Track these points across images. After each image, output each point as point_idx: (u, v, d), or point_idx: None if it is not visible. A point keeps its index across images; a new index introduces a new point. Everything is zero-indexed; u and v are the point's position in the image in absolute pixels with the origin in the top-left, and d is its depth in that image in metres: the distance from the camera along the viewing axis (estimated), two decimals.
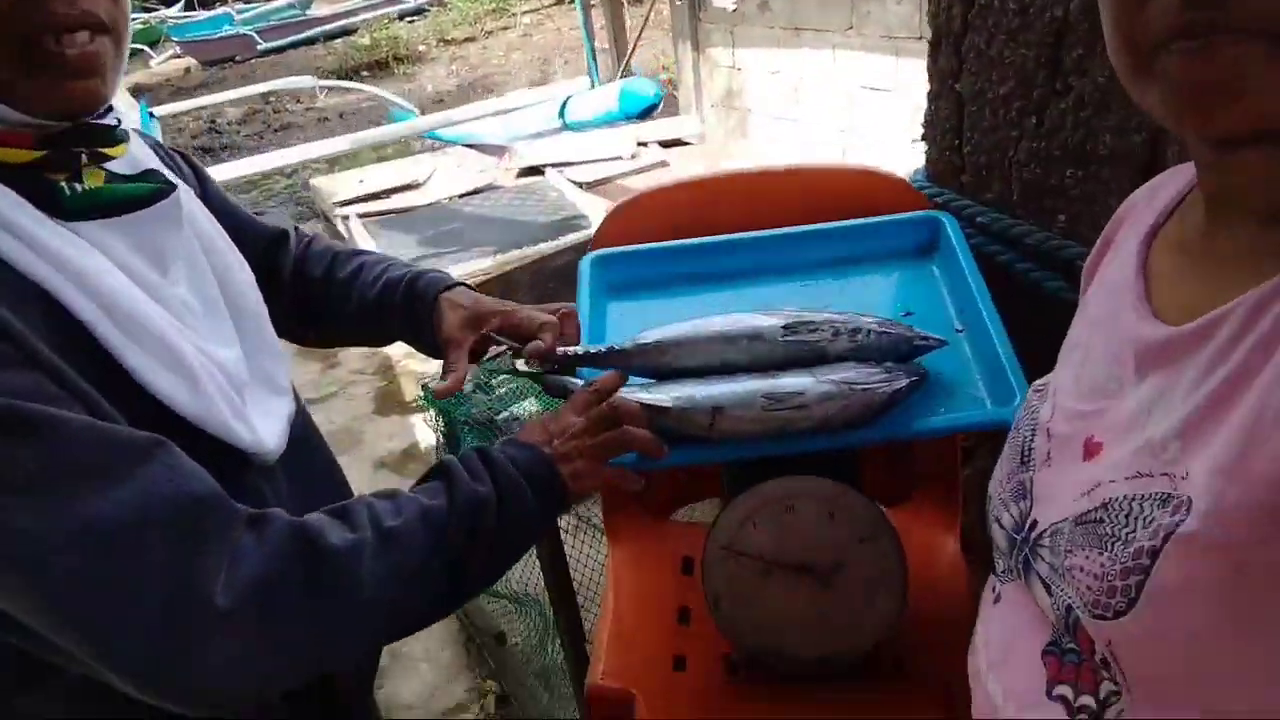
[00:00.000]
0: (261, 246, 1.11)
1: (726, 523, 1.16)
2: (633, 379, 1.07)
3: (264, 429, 0.83)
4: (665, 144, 4.97)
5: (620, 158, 4.54)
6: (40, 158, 0.71)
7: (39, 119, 0.70)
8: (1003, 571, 0.68)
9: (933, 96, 1.30)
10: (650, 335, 1.10)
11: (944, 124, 1.29)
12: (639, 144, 4.70)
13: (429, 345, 1.12)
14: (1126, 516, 0.53)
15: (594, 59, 6.84)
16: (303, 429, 0.96)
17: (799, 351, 1.07)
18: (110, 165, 0.77)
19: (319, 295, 1.14)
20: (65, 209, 0.71)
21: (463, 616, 2.59)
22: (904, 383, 1.05)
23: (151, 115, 5.85)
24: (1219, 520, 0.47)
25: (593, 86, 6.07)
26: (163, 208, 0.78)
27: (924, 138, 1.35)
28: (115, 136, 0.77)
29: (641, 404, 1.00)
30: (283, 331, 1.07)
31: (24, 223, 0.68)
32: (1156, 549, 0.50)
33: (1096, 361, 0.63)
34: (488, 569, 0.93)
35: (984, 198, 1.28)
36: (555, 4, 14.27)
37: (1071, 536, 0.57)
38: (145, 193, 0.77)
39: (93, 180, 0.74)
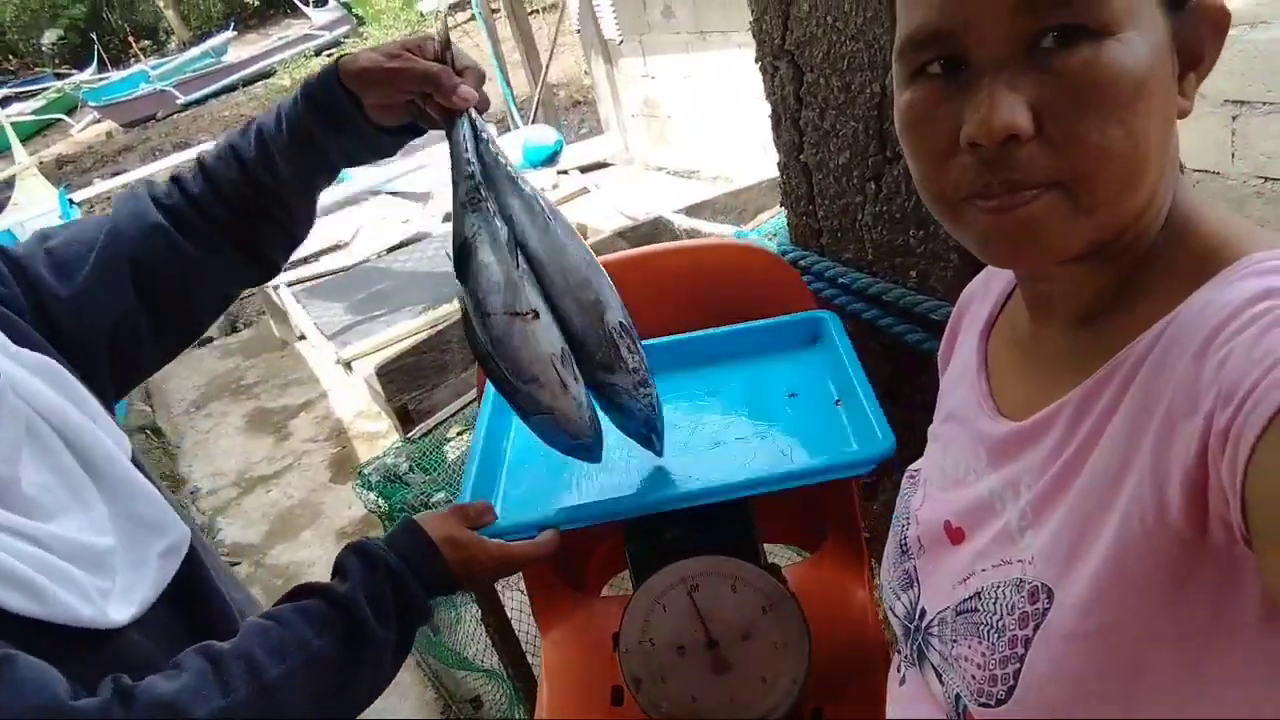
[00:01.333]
0: (150, 245, 0.95)
1: (636, 609, 1.20)
2: None
3: (120, 603, 0.79)
4: (585, 168, 5.00)
5: (542, 189, 4.57)
6: None
7: None
8: (906, 656, 0.71)
9: (783, 167, 1.35)
10: None
11: (797, 191, 1.34)
12: (559, 173, 4.73)
13: (363, 126, 0.99)
14: (994, 604, 0.57)
15: (507, 81, 6.83)
16: (190, 563, 0.89)
17: None
18: None
19: (248, 191, 0.99)
20: None
21: (437, 685, 2.61)
22: None
23: (72, 203, 5.77)
24: (1075, 606, 0.50)
25: (512, 121, 6.05)
26: None
27: (782, 204, 1.40)
28: None
29: None
30: (248, 279, 1.00)
31: None
32: (1029, 638, 0.53)
33: (955, 453, 0.67)
34: (373, 691, 0.91)
35: (843, 257, 1.33)
36: (469, 20, 14.20)
37: (954, 626, 0.60)
38: None
39: None
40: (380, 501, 2.15)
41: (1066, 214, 0.50)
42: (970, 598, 0.59)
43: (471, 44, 13.06)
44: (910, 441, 1.40)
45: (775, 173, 1.40)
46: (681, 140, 5.74)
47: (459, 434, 2.21)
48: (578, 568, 1.52)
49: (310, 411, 4.41)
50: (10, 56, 23.28)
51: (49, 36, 23.14)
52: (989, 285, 0.72)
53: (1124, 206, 0.51)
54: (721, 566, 1.18)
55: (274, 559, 3.44)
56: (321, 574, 3.27)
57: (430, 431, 2.27)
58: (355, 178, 5.09)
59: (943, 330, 1.22)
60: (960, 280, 1.20)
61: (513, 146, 4.17)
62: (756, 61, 1.30)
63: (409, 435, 2.25)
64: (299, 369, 4.84)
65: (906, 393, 1.37)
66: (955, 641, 0.60)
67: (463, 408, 2.28)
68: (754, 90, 1.39)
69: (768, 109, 1.33)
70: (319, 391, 4.54)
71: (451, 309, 3.42)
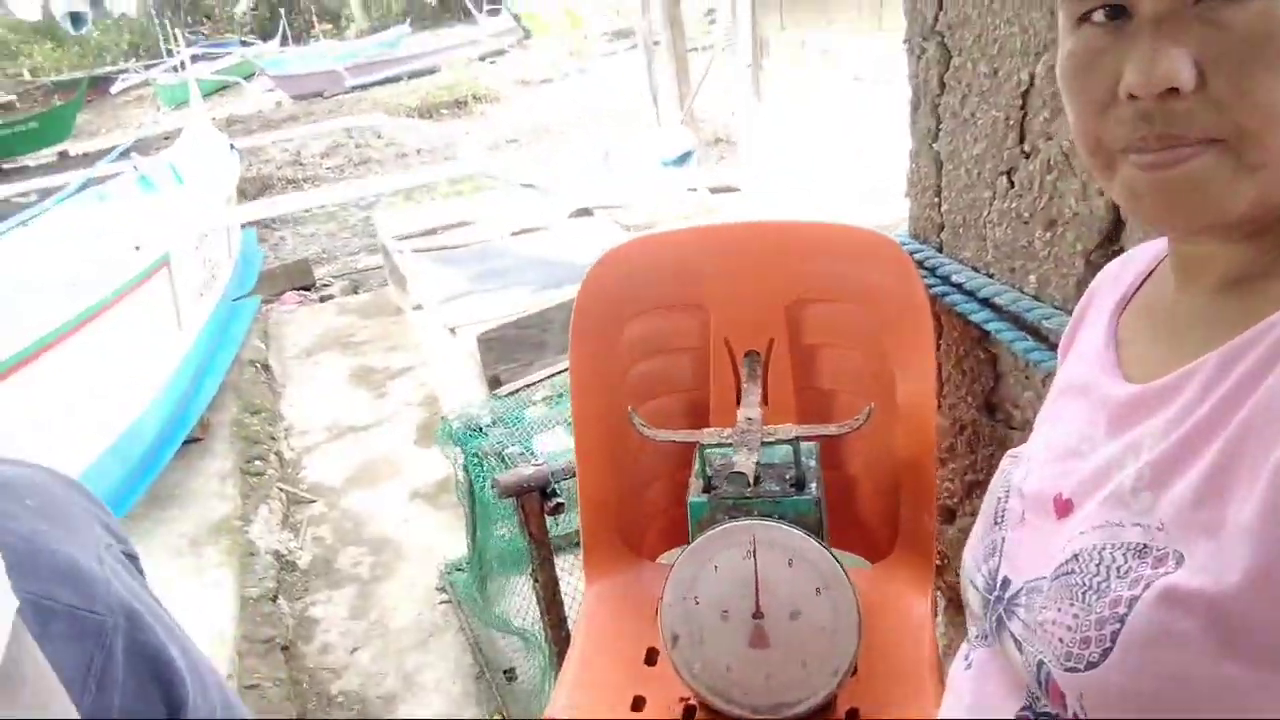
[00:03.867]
0: None
1: (687, 564, 1.18)
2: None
3: None
4: (715, 190, 5.04)
5: (669, 201, 4.62)
6: None
7: None
8: (975, 637, 0.69)
9: (913, 155, 1.33)
10: None
11: (924, 182, 1.31)
12: (689, 189, 4.78)
13: None
14: (1097, 565, 0.54)
15: (656, 105, 6.98)
16: None
17: None
18: None
19: None
20: None
21: (475, 651, 2.62)
22: None
23: (234, 147, 6.15)
24: (1203, 569, 0.48)
25: (651, 131, 6.20)
26: None
27: (907, 194, 1.37)
28: None
29: None
30: None
31: None
32: (1135, 598, 0.50)
33: (1068, 426, 0.65)
34: None
35: (961, 255, 1.29)
36: (631, 48, 14.57)
37: (1048, 592, 0.58)
38: None
39: None
40: (452, 445, 2.19)
41: (1227, 173, 0.49)
42: (1068, 560, 0.56)
43: (627, 70, 13.41)
44: (1001, 460, 1.35)
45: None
46: (819, 183, 5.72)
47: (544, 399, 2.23)
48: (637, 530, 1.50)
49: (409, 377, 4.54)
50: (205, 20, 25.10)
51: (241, 6, 24.91)
52: (1125, 268, 0.70)
53: None
54: (783, 537, 1.15)
55: (347, 503, 3.53)
56: (389, 524, 3.34)
57: (516, 393, 2.31)
58: (499, 174, 5.27)
59: (1055, 344, 1.18)
60: (1081, 289, 1.15)
61: (648, 145, 4.24)
62: (905, 41, 1.28)
63: (495, 393, 2.28)
64: (407, 337, 4.99)
65: (1007, 408, 1.32)
66: (1045, 607, 0.57)
67: (550, 376, 2.31)
68: (903, 143, 1.37)
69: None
70: (421, 360, 4.67)
71: (559, 294, 3.48)
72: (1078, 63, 0.53)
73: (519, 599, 2.53)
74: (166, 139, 10.91)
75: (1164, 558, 0.50)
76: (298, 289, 6.06)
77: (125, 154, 5.89)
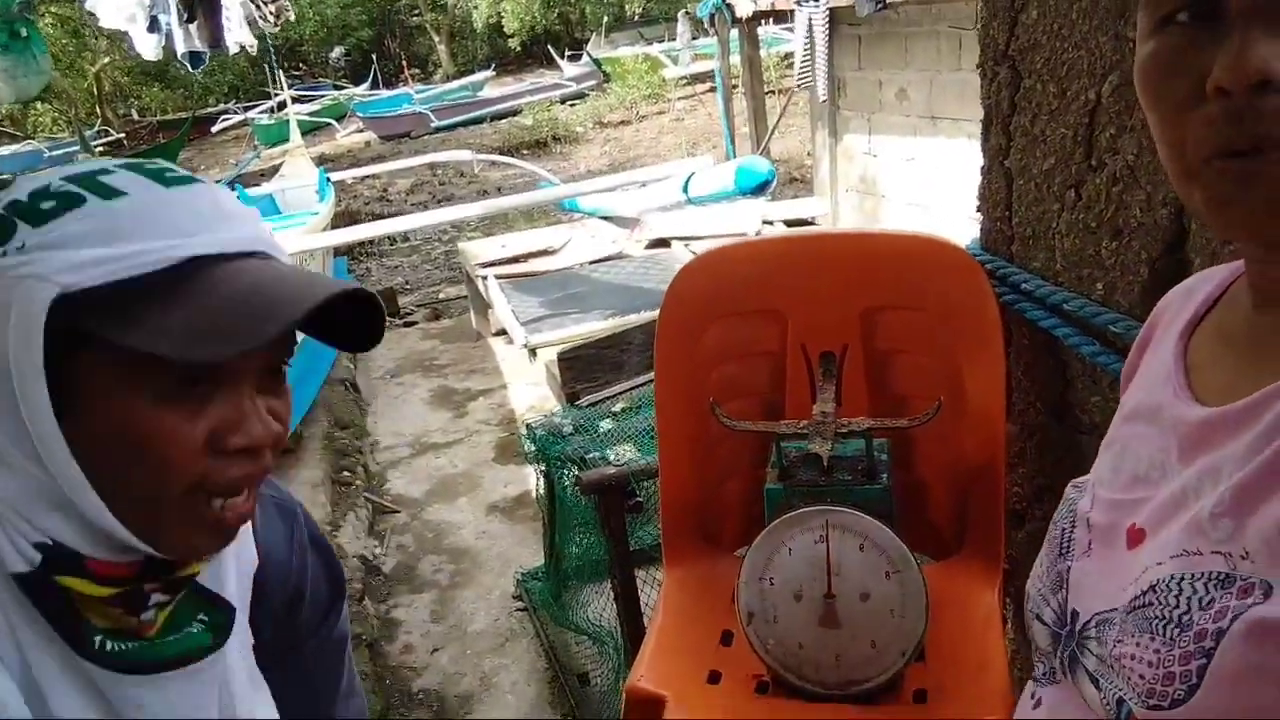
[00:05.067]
0: None
1: (763, 546, 1.26)
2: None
3: None
4: (790, 223, 5.13)
5: (744, 233, 4.73)
6: (108, 595, 0.62)
7: (162, 554, 0.64)
8: (1043, 675, 0.66)
9: (985, 171, 1.41)
10: None
11: (995, 197, 1.39)
12: (764, 221, 4.88)
13: None
14: (1177, 597, 0.51)
15: (733, 144, 7.13)
16: None
17: None
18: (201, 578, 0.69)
19: None
20: (103, 659, 0.63)
21: (550, 656, 2.71)
22: None
23: (328, 180, 6.49)
24: None
25: (729, 148, 6.33)
26: (201, 668, 0.68)
27: (978, 209, 1.45)
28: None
29: None
30: None
31: (30, 664, 0.61)
32: (1222, 630, 0.47)
33: (1137, 452, 0.62)
34: None
35: (1031, 265, 1.36)
36: (708, 91, 14.82)
37: (1123, 625, 0.55)
38: (181, 651, 0.66)
39: (161, 616, 0.65)
40: (535, 449, 2.30)
41: None
42: (1145, 592, 0.54)
43: (704, 112, 13.65)
44: (1072, 464, 1.40)
45: None
46: (892, 219, 5.77)
47: (622, 410, 2.34)
48: (714, 523, 1.59)
49: (489, 398, 4.71)
50: (301, 64, 26.35)
51: (336, 52, 26.11)
52: (1192, 292, 0.68)
53: None
54: (855, 522, 1.22)
55: (429, 515, 3.68)
56: (467, 535, 3.47)
57: (596, 404, 2.42)
58: (581, 204, 5.46)
59: (1121, 348, 1.24)
60: (1147, 295, 1.21)
61: (727, 171, 4.36)
62: (977, 66, 1.37)
63: (577, 403, 2.40)
64: (487, 360, 5.18)
65: (1075, 413, 1.37)
66: (1121, 641, 0.54)
67: (630, 389, 2.41)
68: (976, 182, 1.43)
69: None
70: (500, 382, 4.84)
71: (636, 318, 3.59)
72: (1161, 63, 0.51)
73: (594, 607, 2.62)
74: (262, 175, 11.48)
75: (1250, 588, 0.47)
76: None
77: (229, 186, 6.27)
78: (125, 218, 0.59)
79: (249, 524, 0.73)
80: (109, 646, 0.63)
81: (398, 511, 3.71)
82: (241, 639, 0.73)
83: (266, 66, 16.59)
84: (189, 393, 0.60)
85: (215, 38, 4.45)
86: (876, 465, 1.28)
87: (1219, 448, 0.53)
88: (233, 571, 0.71)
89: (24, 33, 5.55)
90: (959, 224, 5.00)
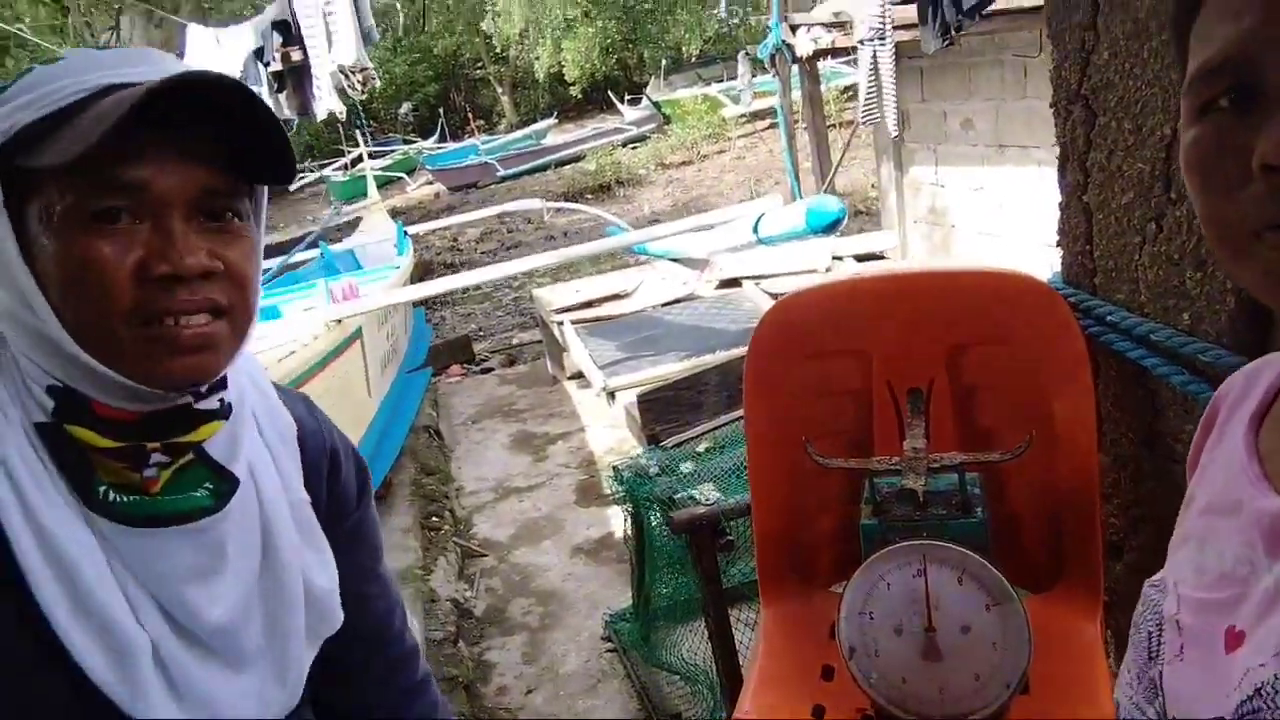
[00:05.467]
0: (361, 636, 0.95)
1: (861, 582, 1.29)
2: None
3: None
4: (860, 258, 5.15)
5: (815, 270, 4.76)
6: (111, 448, 0.70)
7: (144, 387, 0.70)
8: None
9: (1063, 207, 1.43)
10: None
11: (1075, 231, 1.42)
12: (834, 257, 4.91)
13: None
14: None
15: (797, 180, 7.18)
16: None
17: None
18: (209, 446, 0.75)
19: None
20: (94, 505, 0.70)
21: (643, 697, 2.74)
22: None
23: (405, 234, 6.72)
24: None
25: (794, 188, 6.38)
26: (199, 528, 0.74)
27: (1058, 244, 1.47)
28: (210, 417, 0.75)
29: None
30: None
31: (41, 505, 0.68)
32: None
33: (1219, 549, 0.61)
34: None
35: (1115, 298, 1.38)
36: (769, 128, 14.93)
37: None
38: (179, 510, 0.73)
39: (154, 483, 0.72)
40: (623, 490, 2.36)
41: None
42: (1250, 697, 0.52)
43: (765, 149, 13.75)
44: (1166, 494, 1.40)
45: None
46: (964, 250, 5.73)
47: (706, 450, 2.39)
48: (808, 560, 1.62)
49: (567, 441, 4.80)
50: (371, 121, 27.34)
51: (404, 108, 27.03)
52: (1255, 377, 0.67)
53: None
54: (952, 556, 1.25)
55: (516, 558, 3.76)
56: (553, 578, 3.53)
57: (680, 445, 2.47)
58: (650, 247, 5.56)
59: (1212, 376, 1.25)
60: (1234, 324, 1.22)
61: (798, 212, 4.40)
62: (1051, 105, 1.41)
63: (662, 444, 2.46)
64: (564, 404, 5.28)
65: (1167, 442, 1.38)
66: None
67: (713, 429, 2.46)
68: (1047, 210, 1.46)
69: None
70: (578, 426, 4.93)
71: (712, 359, 3.65)
72: (1206, 147, 0.52)
73: (684, 647, 2.65)
74: (339, 230, 11.90)
75: None
76: (461, 363, 6.51)
77: (313, 243, 6.54)
78: (58, 69, 0.69)
79: (275, 394, 0.84)
80: (113, 498, 0.70)
81: (485, 555, 3.80)
82: (293, 499, 0.82)
83: (340, 126, 17.26)
84: (116, 223, 0.66)
85: (304, 106, 4.71)
86: (970, 499, 1.31)
87: None
88: (245, 445, 0.78)
89: None
90: (1031, 251, 4.95)
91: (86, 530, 0.69)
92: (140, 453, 0.71)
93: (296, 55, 4.66)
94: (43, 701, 0.69)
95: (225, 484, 0.76)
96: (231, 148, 0.71)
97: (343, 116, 5.29)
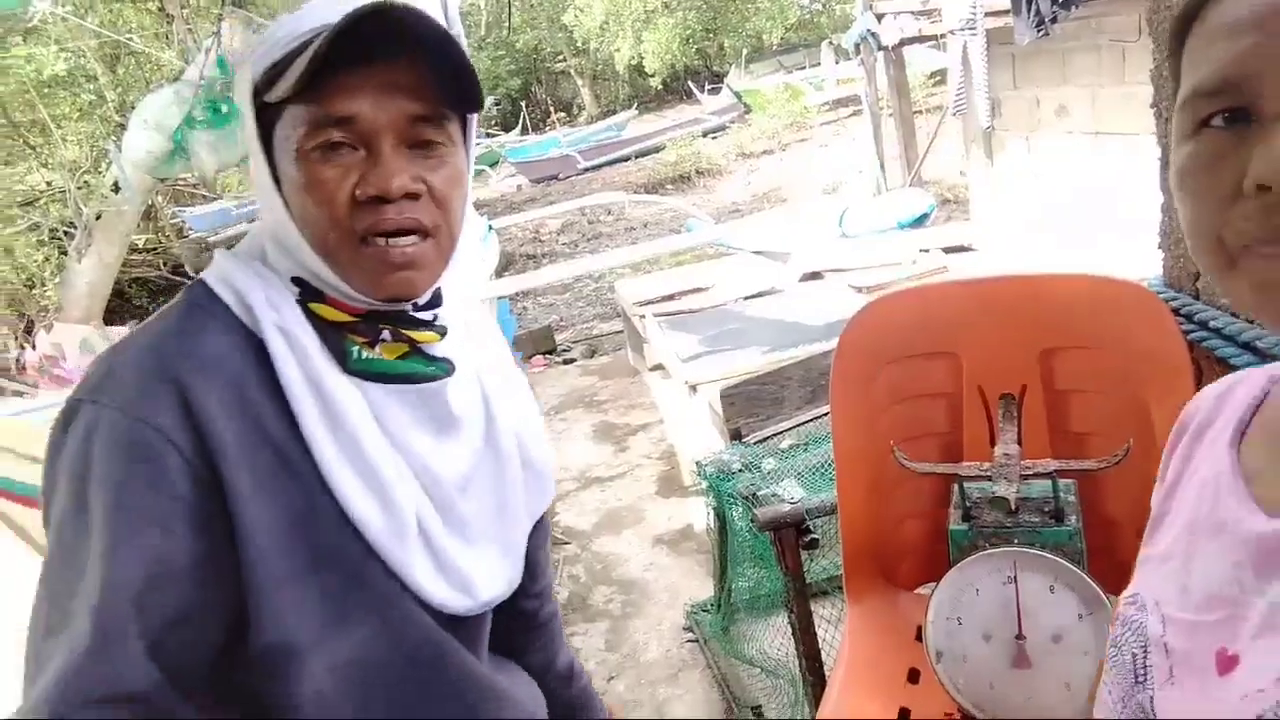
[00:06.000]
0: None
1: (949, 587, 1.29)
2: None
3: (439, 582, 0.85)
4: (948, 250, 5.05)
5: (899, 263, 4.69)
6: (350, 322, 0.81)
7: (365, 300, 0.81)
8: None
9: (1165, 208, 1.40)
10: None
11: (1177, 233, 1.38)
12: (920, 250, 4.82)
13: None
14: None
15: (882, 169, 7.06)
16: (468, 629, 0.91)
17: None
18: (427, 348, 0.85)
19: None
20: (349, 365, 0.81)
21: (723, 688, 2.77)
22: None
23: (490, 228, 6.84)
24: None
25: (880, 178, 6.29)
26: (429, 389, 0.84)
27: (1160, 246, 1.44)
28: (427, 327, 0.85)
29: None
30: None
31: (313, 364, 0.79)
32: None
33: (1205, 569, 0.61)
34: None
35: (1218, 302, 1.34)
36: (852, 115, 14.69)
37: None
38: (411, 372, 0.84)
39: (388, 353, 0.83)
40: (706, 484, 2.38)
41: None
42: None
43: (849, 137, 13.54)
44: None
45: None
46: (1058, 238, 5.56)
47: (789, 446, 2.39)
48: (894, 562, 1.62)
49: (648, 432, 4.84)
50: None
51: (487, 102, 27.38)
52: (1227, 395, 0.68)
53: None
54: (1044, 564, 1.24)
55: (597, 547, 3.82)
56: (636, 568, 3.58)
57: (763, 440, 2.48)
58: (728, 240, 5.56)
59: None
60: None
61: (885, 207, 4.35)
62: (1152, 106, 1.37)
63: (745, 440, 2.47)
64: (644, 396, 5.32)
65: None
66: None
67: (796, 426, 2.46)
68: (1150, 193, 1.42)
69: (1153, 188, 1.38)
70: (658, 417, 4.97)
71: (795, 353, 3.63)
72: (1200, 163, 0.54)
73: (763, 640, 2.66)
74: None
75: None
76: (543, 353, 6.61)
77: None
78: (292, 17, 0.80)
79: (491, 320, 0.97)
80: (360, 355, 0.81)
81: (568, 543, 3.87)
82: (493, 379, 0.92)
83: None
84: (338, 151, 0.77)
85: None
86: (1064, 507, 1.29)
87: None
88: (466, 350, 0.89)
89: (224, 109, 6.19)
90: (1126, 243, 4.78)
91: (356, 391, 0.81)
92: (373, 328, 0.82)
93: None
94: (338, 561, 0.78)
95: (443, 365, 0.86)
96: (432, 79, 0.79)
97: None
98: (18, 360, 6.23)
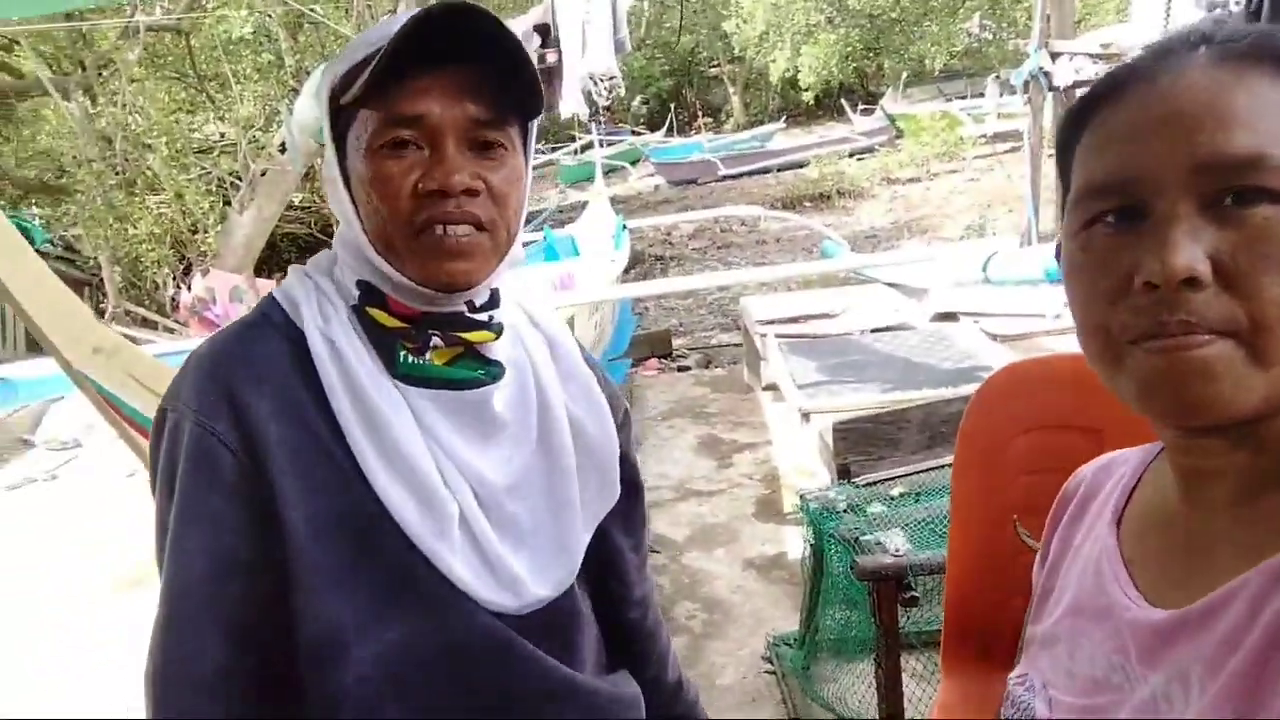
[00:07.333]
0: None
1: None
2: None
3: (483, 577, 0.85)
4: None
5: (1042, 315, 4.47)
6: (401, 329, 0.84)
7: (421, 288, 0.83)
8: None
9: None
10: None
11: None
12: (1065, 304, 4.59)
13: None
14: None
15: (1036, 212, 6.76)
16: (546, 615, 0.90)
17: None
18: (482, 348, 0.87)
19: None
20: (396, 371, 0.84)
21: None
22: None
23: (624, 227, 6.93)
24: None
25: (1031, 239, 6.02)
26: (471, 395, 0.86)
27: None
28: (483, 328, 0.87)
29: None
30: None
31: (356, 369, 0.82)
32: None
33: (1090, 654, 0.61)
34: None
35: None
36: (1009, 151, 14.16)
37: None
38: (459, 378, 0.86)
39: (438, 358, 0.85)
40: (809, 521, 2.32)
41: (1240, 365, 0.49)
42: None
43: (1003, 174, 13.06)
44: None
45: None
46: None
47: (899, 494, 2.31)
48: (997, 639, 1.53)
49: (754, 452, 4.78)
50: (607, 110, 28.30)
51: (637, 100, 27.73)
52: (1105, 473, 0.69)
53: None
54: None
55: (687, 560, 3.79)
56: (723, 588, 3.53)
57: (873, 484, 2.40)
58: (865, 268, 5.44)
59: None
60: None
61: (1034, 258, 4.16)
62: None
63: (854, 479, 2.40)
64: (755, 414, 5.26)
65: None
66: None
67: (910, 474, 2.38)
68: None
69: None
70: (766, 438, 4.90)
71: (917, 395, 3.51)
72: (1091, 258, 0.55)
73: (842, 684, 2.58)
74: (560, 211, 12.40)
75: None
76: (659, 356, 6.63)
77: (540, 225, 6.86)
78: (368, 32, 0.85)
79: (557, 318, 0.97)
80: (407, 360, 0.84)
81: (658, 552, 3.86)
82: (548, 376, 0.93)
83: (576, 117, 17.99)
84: (405, 149, 0.80)
85: (550, 104, 4.95)
86: None
87: (1182, 649, 0.53)
88: (521, 348, 0.92)
89: None
90: None
91: (395, 393, 0.83)
92: (424, 335, 0.85)
93: (551, 58, 4.91)
94: (379, 556, 0.81)
95: (495, 367, 0.88)
96: (496, 84, 0.82)
97: (585, 119, 5.51)
98: (173, 299, 6.67)
